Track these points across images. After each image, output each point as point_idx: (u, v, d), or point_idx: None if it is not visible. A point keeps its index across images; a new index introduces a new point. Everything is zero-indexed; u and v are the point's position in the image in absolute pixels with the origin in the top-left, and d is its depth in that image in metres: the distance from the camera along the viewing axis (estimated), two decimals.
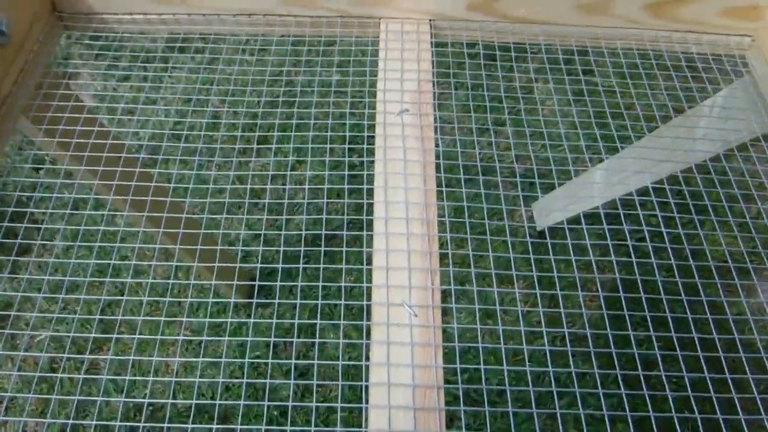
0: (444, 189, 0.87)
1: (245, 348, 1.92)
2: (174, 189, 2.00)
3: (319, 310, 1.61)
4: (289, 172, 2.05)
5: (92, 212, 2.10)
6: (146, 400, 1.91)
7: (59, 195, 2.15)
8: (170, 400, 1.91)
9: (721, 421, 0.73)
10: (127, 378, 1.91)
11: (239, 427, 1.32)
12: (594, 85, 1.13)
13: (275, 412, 1.81)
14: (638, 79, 1.10)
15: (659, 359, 0.93)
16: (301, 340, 1.82)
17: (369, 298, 0.75)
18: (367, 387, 0.69)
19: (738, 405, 0.75)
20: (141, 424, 1.87)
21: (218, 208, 2.12)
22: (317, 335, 1.73)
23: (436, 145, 0.87)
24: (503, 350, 1.64)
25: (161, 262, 2.08)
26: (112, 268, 2.08)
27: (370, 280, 0.76)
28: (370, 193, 0.84)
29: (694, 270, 0.87)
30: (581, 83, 1.10)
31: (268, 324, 1.83)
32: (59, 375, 1.92)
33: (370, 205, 0.82)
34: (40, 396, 1.86)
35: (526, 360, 1.69)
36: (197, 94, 2.18)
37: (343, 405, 0.81)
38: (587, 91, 1.13)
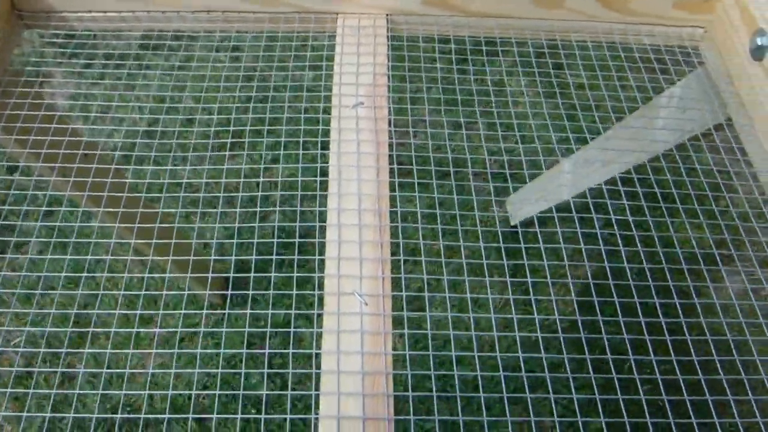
0: (396, 180, 0.88)
1: (220, 342, 1.93)
2: (147, 189, 2.00)
3: (270, 301, 1.62)
4: (262, 166, 2.06)
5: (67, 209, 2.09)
6: (123, 392, 1.91)
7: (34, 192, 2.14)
8: (146, 392, 1.91)
9: (687, 403, 0.74)
10: (104, 371, 1.91)
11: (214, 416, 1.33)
12: (559, 78, 1.14)
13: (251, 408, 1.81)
14: (591, 70, 1.11)
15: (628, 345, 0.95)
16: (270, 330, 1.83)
17: (321, 288, 0.76)
18: (318, 375, 0.70)
19: (705, 387, 0.77)
20: (118, 416, 1.87)
21: (192, 208, 2.12)
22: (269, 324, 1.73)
23: (390, 137, 0.88)
24: (474, 338, 1.66)
25: (134, 258, 2.08)
26: (87, 268, 2.07)
27: (322, 271, 0.77)
28: (324, 185, 0.85)
29: (662, 257, 0.89)
30: (535, 75, 1.12)
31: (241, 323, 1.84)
32: (37, 369, 1.92)
33: (324, 197, 0.83)
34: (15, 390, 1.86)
35: (475, 345, 1.70)
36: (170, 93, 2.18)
37: (292, 392, 0.82)
38: (558, 84, 1.14)
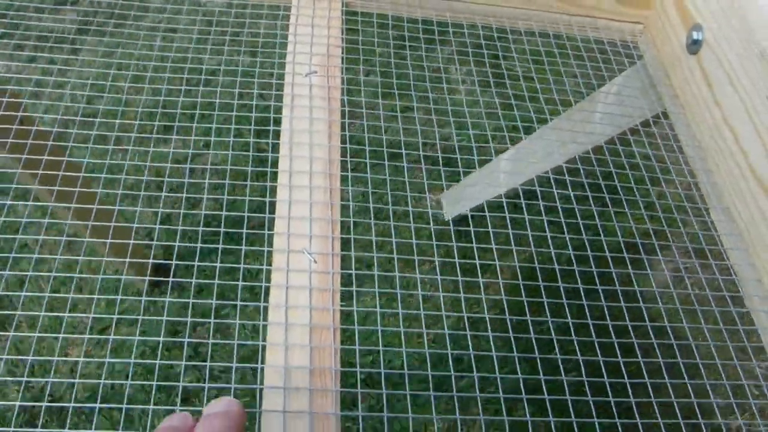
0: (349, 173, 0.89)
1: (148, 335, 1.89)
2: (81, 174, 1.95)
3: (217, 271, 1.59)
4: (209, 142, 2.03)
5: None
6: (49, 380, 1.85)
7: None
8: (75, 380, 1.85)
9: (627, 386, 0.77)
10: (30, 358, 1.84)
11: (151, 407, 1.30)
12: (499, 69, 1.17)
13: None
14: (540, 63, 1.15)
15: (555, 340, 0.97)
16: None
17: (270, 245, 0.76)
18: (264, 326, 0.70)
19: (644, 369, 0.80)
20: (42, 404, 1.81)
21: (125, 194, 2.07)
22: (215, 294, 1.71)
23: (343, 105, 0.89)
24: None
25: (59, 238, 2.02)
26: (17, 246, 2.00)
27: (271, 229, 0.77)
28: (276, 149, 0.85)
29: (589, 250, 0.92)
30: (479, 64, 1.14)
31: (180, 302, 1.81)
32: None
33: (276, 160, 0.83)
34: None
35: (421, 305, 1.71)
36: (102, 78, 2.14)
37: (240, 342, 0.81)
38: (498, 74, 1.17)
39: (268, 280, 0.74)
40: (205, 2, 1.06)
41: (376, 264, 1.69)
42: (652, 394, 0.79)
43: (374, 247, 1.89)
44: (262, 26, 1.00)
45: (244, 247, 0.77)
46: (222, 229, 0.81)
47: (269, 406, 0.65)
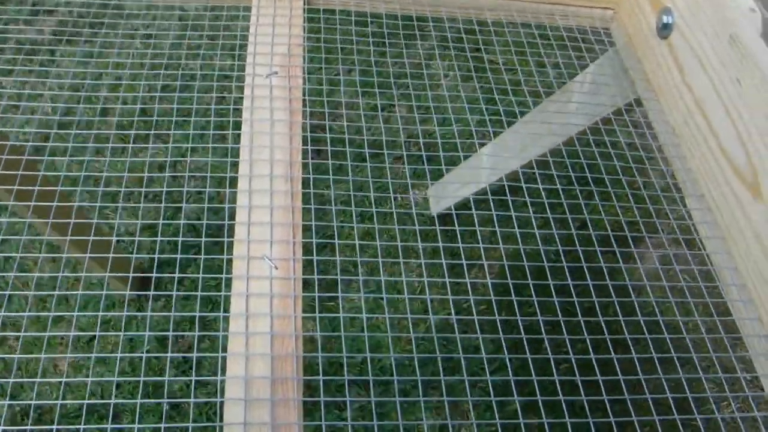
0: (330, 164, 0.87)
1: (135, 343, 1.87)
2: (61, 182, 1.92)
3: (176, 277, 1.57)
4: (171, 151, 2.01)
5: None
6: (33, 402, 1.83)
7: None
8: (59, 401, 1.83)
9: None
10: (11, 381, 1.82)
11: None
12: (477, 62, 1.15)
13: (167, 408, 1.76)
14: (524, 56, 1.13)
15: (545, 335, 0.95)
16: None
17: (230, 253, 0.74)
18: (225, 337, 0.68)
19: (622, 383, 0.78)
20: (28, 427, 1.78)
21: (106, 200, 2.05)
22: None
23: (304, 106, 0.87)
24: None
25: (46, 254, 2.00)
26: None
27: (231, 236, 0.75)
28: (236, 153, 0.83)
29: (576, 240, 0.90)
30: (453, 58, 1.13)
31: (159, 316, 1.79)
32: None
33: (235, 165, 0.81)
34: None
35: (385, 307, 1.69)
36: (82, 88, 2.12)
37: (198, 355, 0.79)
38: (477, 68, 1.15)
39: (228, 288, 0.72)
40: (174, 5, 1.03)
41: (358, 263, 1.67)
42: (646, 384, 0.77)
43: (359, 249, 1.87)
44: (221, 28, 0.98)
45: (202, 256, 0.75)
46: (180, 239, 0.79)
47: (230, 419, 0.63)
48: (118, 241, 2.00)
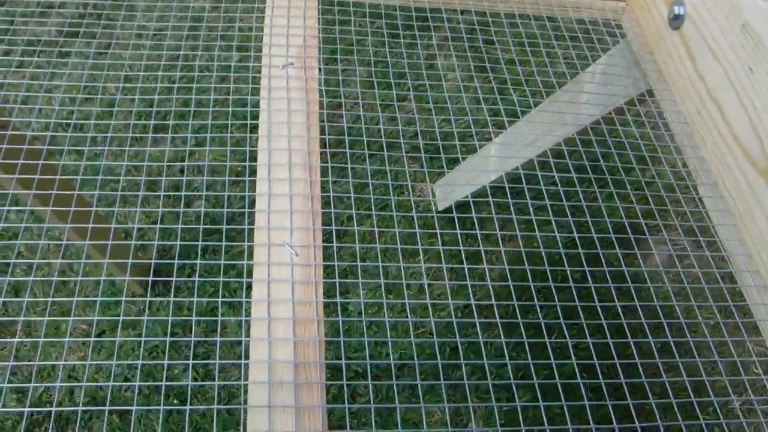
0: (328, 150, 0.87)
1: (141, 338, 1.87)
2: (68, 179, 1.93)
3: (198, 268, 1.57)
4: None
5: None
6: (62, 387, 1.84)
7: None
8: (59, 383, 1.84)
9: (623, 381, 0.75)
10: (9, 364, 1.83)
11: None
12: (489, 54, 1.16)
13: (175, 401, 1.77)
14: (536, 47, 1.13)
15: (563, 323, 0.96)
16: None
17: (251, 240, 0.75)
18: (247, 321, 0.69)
19: (639, 367, 0.78)
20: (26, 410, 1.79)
21: (113, 198, 2.06)
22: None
23: (321, 96, 0.87)
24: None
25: (57, 255, 2.01)
26: (12, 265, 1.99)
27: (252, 223, 0.76)
28: (254, 143, 0.84)
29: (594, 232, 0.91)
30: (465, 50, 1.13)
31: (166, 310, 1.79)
32: None
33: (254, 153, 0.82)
34: None
35: (405, 292, 1.69)
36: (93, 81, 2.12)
37: (222, 339, 0.80)
38: (489, 59, 1.16)
39: (250, 275, 0.73)
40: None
41: (356, 255, 1.67)
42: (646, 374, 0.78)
43: (378, 238, 1.88)
44: (236, 20, 0.99)
45: (224, 243, 0.76)
46: (201, 226, 0.80)
47: (254, 402, 0.64)
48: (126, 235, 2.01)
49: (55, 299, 1.87)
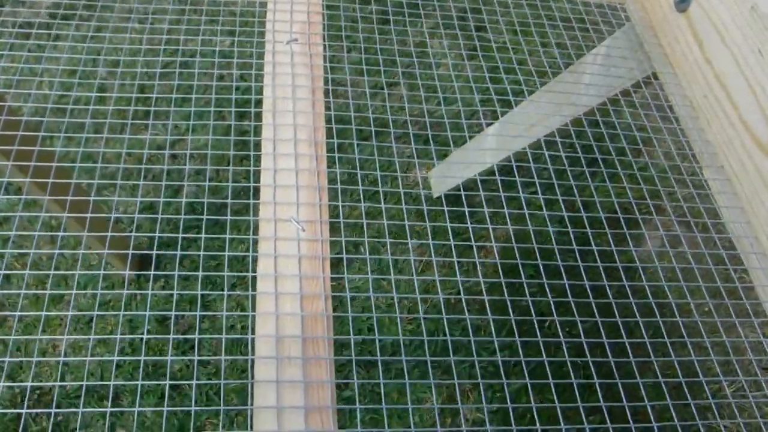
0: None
1: (135, 324, 1.85)
2: (59, 165, 1.90)
3: (202, 246, 1.55)
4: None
5: None
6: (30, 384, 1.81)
7: None
8: (58, 383, 1.82)
9: (612, 364, 0.75)
10: (7, 360, 1.80)
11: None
12: (482, 41, 1.15)
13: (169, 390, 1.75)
14: (529, 35, 1.13)
15: (552, 307, 0.95)
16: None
17: (256, 215, 0.74)
18: (254, 296, 0.68)
19: (629, 348, 0.78)
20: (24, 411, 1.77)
21: (106, 183, 2.03)
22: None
23: (325, 73, 0.86)
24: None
25: (44, 232, 1.98)
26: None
27: (257, 198, 0.75)
28: (259, 117, 0.82)
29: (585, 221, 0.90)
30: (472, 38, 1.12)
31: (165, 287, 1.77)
32: None
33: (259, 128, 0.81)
34: None
35: (413, 271, 1.68)
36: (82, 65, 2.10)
37: (228, 313, 0.79)
38: (479, 46, 1.15)
39: (255, 250, 0.71)
40: None
41: (366, 242, 1.66)
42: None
43: (367, 227, 1.87)
44: (239, 3, 0.97)
45: (229, 217, 0.75)
46: (205, 200, 0.78)
47: (262, 376, 0.63)
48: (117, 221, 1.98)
49: (82, 272, 1.84)
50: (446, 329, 0.92)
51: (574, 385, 0.78)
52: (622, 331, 0.79)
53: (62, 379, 1.82)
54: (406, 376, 1.18)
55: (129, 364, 1.82)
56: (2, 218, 2.02)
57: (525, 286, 0.84)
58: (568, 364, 0.75)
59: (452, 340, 1.34)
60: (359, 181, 1.86)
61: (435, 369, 1.64)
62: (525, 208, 0.94)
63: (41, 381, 1.83)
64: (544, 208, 1.05)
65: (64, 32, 1.19)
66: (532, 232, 0.93)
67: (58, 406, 1.79)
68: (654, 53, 1.02)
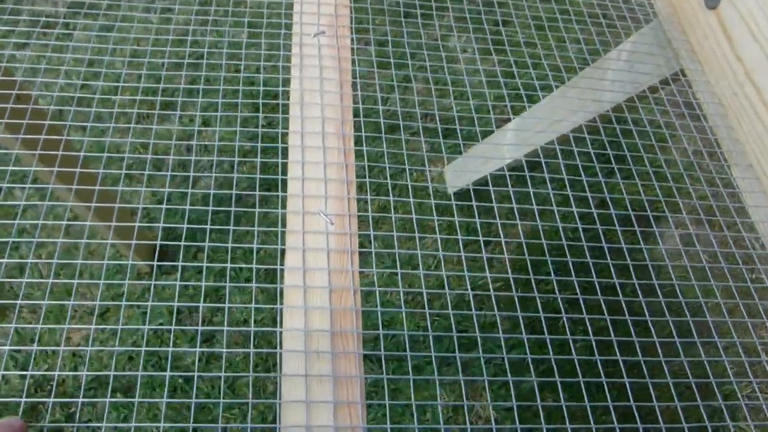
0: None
1: (147, 312, 1.86)
2: (78, 154, 1.90)
3: (231, 235, 1.55)
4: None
5: None
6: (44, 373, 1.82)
7: None
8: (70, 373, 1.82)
9: (620, 363, 0.74)
10: (21, 349, 1.81)
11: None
12: (500, 36, 1.14)
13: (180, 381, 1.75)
14: (554, 30, 1.12)
15: (565, 304, 0.94)
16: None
17: (284, 207, 0.73)
18: (281, 290, 0.67)
19: (637, 348, 0.77)
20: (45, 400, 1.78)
21: (121, 176, 2.03)
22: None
23: (353, 66, 0.86)
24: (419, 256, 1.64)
25: (60, 222, 1.98)
26: (15, 231, 1.97)
27: (285, 190, 0.74)
28: (286, 110, 0.82)
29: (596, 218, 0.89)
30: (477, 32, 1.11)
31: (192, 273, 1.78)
32: None
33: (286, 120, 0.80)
34: None
35: (443, 267, 1.68)
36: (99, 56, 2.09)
37: (257, 306, 0.78)
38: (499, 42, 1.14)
39: (283, 242, 0.71)
40: None
41: (376, 238, 1.65)
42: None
43: (394, 222, 1.86)
44: None
45: (257, 209, 0.74)
46: (234, 192, 0.78)
47: (290, 370, 0.62)
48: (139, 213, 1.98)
49: (111, 262, 1.85)
50: (453, 326, 0.90)
51: (581, 383, 0.77)
52: (632, 330, 0.79)
53: (75, 371, 1.83)
54: (436, 372, 1.17)
55: (153, 355, 1.82)
56: (20, 209, 2.02)
57: (532, 283, 0.83)
58: (576, 362, 0.74)
59: (466, 337, 1.34)
60: (375, 174, 1.86)
61: (449, 366, 1.64)
62: (539, 204, 0.93)
63: (54, 372, 1.83)
64: (553, 206, 1.03)
65: (81, 22, 1.19)
66: (545, 229, 0.92)
67: (70, 398, 1.80)
68: (682, 50, 1.01)
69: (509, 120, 1.57)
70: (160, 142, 2.03)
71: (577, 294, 0.73)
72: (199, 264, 1.70)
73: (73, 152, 1.23)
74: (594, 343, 0.72)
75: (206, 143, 2.00)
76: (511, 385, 0.72)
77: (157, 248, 1.86)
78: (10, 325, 1.84)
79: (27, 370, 1.82)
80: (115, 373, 1.69)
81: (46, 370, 1.83)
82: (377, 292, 0.85)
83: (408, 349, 1.07)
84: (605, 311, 0.75)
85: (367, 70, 1.84)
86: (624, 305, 0.77)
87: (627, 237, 0.91)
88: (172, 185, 1.95)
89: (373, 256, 1.52)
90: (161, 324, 1.84)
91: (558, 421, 1.36)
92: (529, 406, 1.46)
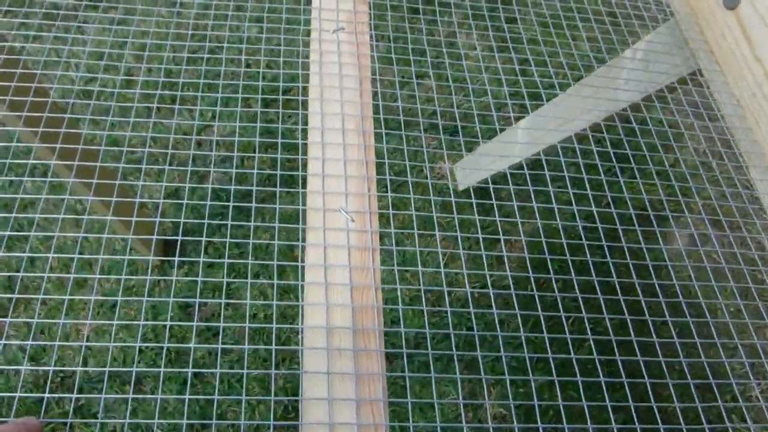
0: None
1: (158, 310, 1.86)
2: (86, 147, 1.91)
3: (252, 227, 1.55)
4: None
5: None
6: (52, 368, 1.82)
7: None
8: (80, 368, 1.83)
9: (641, 363, 0.74)
10: (30, 343, 1.81)
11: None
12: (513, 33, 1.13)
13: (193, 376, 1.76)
14: (569, 28, 1.11)
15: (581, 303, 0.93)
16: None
17: (304, 204, 0.73)
18: (302, 287, 0.67)
19: (659, 350, 0.77)
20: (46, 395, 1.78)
21: (133, 170, 2.04)
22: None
23: (373, 62, 0.85)
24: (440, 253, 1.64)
25: (69, 215, 1.98)
26: (25, 223, 1.97)
27: (305, 187, 0.74)
28: (305, 106, 0.82)
29: (615, 217, 0.89)
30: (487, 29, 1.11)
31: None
32: None
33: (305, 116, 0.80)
34: None
35: (463, 262, 1.68)
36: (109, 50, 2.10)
37: (278, 302, 0.79)
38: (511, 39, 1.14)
39: (304, 239, 0.71)
40: None
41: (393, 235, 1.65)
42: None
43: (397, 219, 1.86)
44: None
45: (278, 206, 0.74)
46: (254, 188, 0.77)
47: (311, 368, 0.62)
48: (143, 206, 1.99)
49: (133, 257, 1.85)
50: (457, 323, 0.90)
51: (596, 383, 0.77)
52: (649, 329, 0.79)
53: (84, 364, 1.83)
54: (457, 371, 1.17)
55: (151, 350, 1.82)
56: (28, 201, 2.02)
57: (536, 282, 0.83)
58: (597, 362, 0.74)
59: (478, 335, 1.34)
60: (386, 171, 1.86)
61: (458, 362, 1.64)
62: (551, 203, 0.93)
63: (64, 365, 1.84)
64: (560, 204, 1.03)
65: (91, 14, 1.19)
66: (549, 228, 0.92)
67: (80, 391, 1.80)
68: (699, 50, 1.01)
69: (522, 117, 1.56)
70: (174, 137, 2.03)
71: (597, 294, 0.73)
72: (220, 260, 1.70)
73: (92, 146, 1.23)
74: (590, 342, 0.72)
75: (224, 138, 2.00)
76: (532, 384, 0.72)
77: (179, 243, 1.87)
78: (31, 320, 1.84)
79: (35, 362, 1.83)
80: (137, 369, 1.70)
81: (55, 363, 1.83)
82: (399, 290, 0.85)
83: (430, 348, 1.06)
84: (646, 312, 0.75)
85: (382, 67, 1.83)
86: (644, 305, 0.77)
87: (646, 236, 0.91)
88: (191, 181, 1.95)
89: (395, 254, 1.52)
90: (172, 318, 1.85)
91: (578, 420, 1.36)
92: (550, 406, 1.46)
